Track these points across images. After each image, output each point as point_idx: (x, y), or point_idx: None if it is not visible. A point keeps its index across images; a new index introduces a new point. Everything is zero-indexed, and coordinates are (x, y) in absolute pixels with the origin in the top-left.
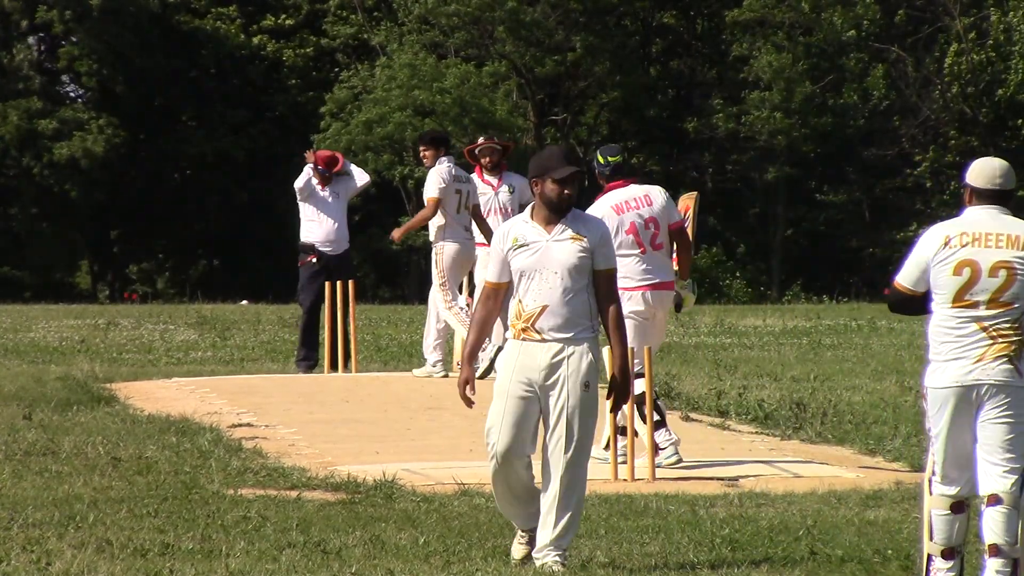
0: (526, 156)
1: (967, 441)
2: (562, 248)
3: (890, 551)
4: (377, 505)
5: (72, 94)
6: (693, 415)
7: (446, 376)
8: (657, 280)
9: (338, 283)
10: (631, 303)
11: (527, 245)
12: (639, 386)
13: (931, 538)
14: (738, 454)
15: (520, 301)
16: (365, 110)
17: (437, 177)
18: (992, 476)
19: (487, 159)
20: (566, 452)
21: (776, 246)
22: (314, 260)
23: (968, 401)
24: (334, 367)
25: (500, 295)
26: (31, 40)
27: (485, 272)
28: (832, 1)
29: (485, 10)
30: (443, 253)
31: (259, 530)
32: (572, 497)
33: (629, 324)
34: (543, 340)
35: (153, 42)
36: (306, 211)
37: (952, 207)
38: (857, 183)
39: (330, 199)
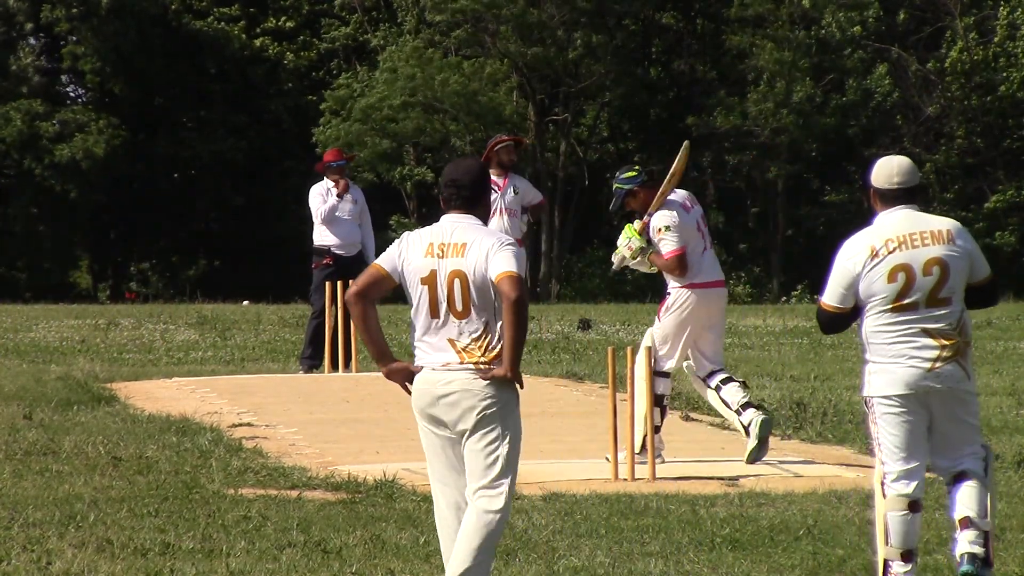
0: (525, 157)
1: (919, 441)
2: None
3: None
4: (377, 505)
5: (72, 94)
6: (693, 415)
7: None
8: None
9: (342, 283)
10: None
11: None
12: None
13: (887, 542)
14: (738, 454)
15: None
16: (366, 98)
17: None
18: (958, 460)
19: (508, 158)
20: None
21: (776, 245)
22: (329, 263)
23: (919, 405)
24: (335, 367)
25: None
26: (32, 40)
27: None
28: None
29: (491, 7)
30: None
31: (259, 530)
32: None
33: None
34: None
35: (154, 43)
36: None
37: (954, 206)
38: (859, 182)
39: (346, 203)
